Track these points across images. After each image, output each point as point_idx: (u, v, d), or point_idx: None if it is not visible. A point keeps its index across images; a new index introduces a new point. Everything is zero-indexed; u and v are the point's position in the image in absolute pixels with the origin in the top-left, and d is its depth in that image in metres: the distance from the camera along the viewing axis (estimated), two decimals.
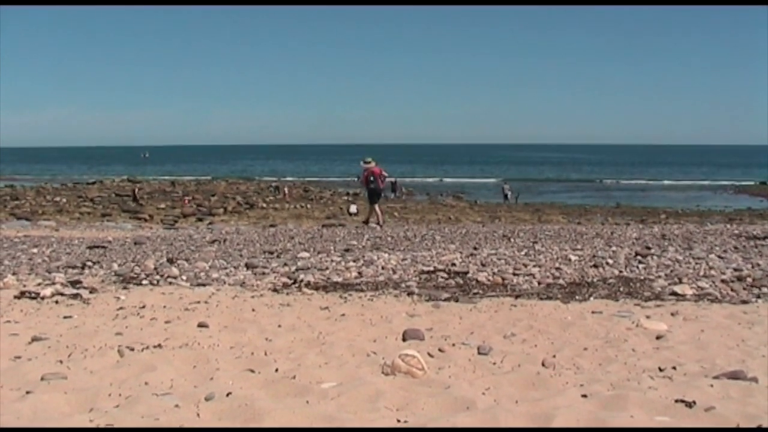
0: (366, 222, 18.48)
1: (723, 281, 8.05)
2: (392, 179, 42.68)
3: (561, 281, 8.19)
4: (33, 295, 7.33)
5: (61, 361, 4.58)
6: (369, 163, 18.89)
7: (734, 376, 4.15)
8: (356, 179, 18.79)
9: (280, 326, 5.85)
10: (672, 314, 6.30)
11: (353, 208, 29.83)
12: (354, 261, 9.86)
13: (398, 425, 3.40)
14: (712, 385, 3.95)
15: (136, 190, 36.46)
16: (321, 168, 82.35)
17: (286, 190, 39.57)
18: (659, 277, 8.35)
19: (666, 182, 60.19)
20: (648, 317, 6.10)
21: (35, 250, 12.38)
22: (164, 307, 6.73)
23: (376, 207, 18.65)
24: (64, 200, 34.36)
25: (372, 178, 18.52)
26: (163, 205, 32.46)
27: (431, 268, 9.11)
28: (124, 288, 7.99)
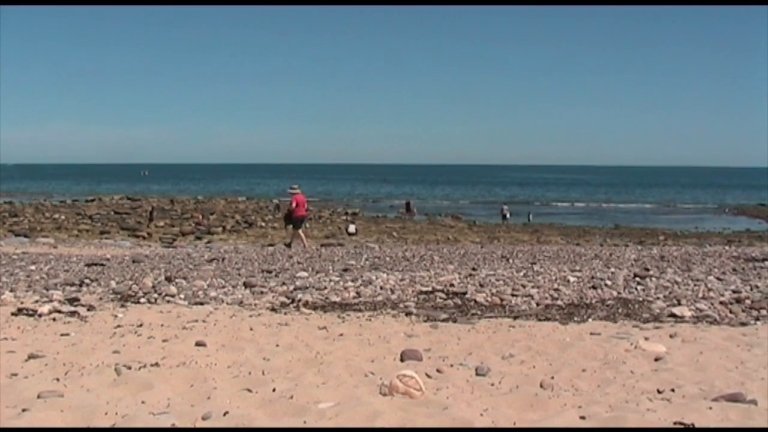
0: (288, 245, 19.06)
1: (722, 303, 8.05)
2: (408, 200, 42.91)
3: (559, 302, 8.19)
4: (30, 312, 7.31)
5: (57, 379, 4.56)
6: (295, 190, 19.68)
7: (733, 398, 4.14)
8: (288, 202, 19.45)
9: (277, 345, 5.84)
10: (671, 336, 6.29)
11: (352, 228, 29.83)
12: (352, 281, 9.86)
13: None
14: (711, 408, 3.94)
15: (153, 210, 36.07)
16: (321, 187, 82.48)
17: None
18: (658, 298, 8.35)
19: (664, 204, 60.26)
20: (647, 339, 6.09)
21: (33, 267, 12.35)
22: (162, 325, 6.71)
23: (300, 232, 19.37)
24: (63, 217, 34.31)
25: (295, 206, 19.25)
26: (161, 223, 32.44)
27: (429, 289, 9.10)
28: (122, 306, 7.97)
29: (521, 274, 10.56)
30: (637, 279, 9.84)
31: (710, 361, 5.35)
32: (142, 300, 8.39)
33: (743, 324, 7.00)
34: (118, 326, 6.64)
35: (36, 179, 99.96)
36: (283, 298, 8.52)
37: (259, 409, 3.93)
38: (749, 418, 3.79)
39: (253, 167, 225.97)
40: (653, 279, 9.81)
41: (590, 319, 7.21)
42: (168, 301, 8.34)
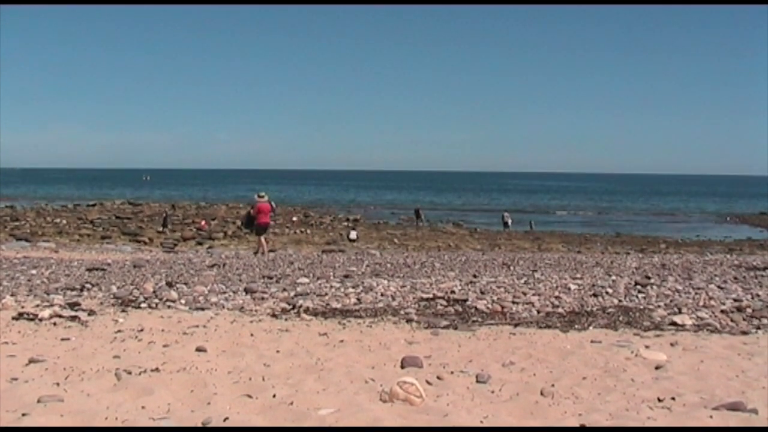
0: (255, 252, 19.32)
1: (723, 312, 8.04)
2: (417, 207, 42.97)
3: (560, 310, 8.18)
4: (31, 316, 7.32)
5: (57, 384, 4.56)
6: (262, 197, 20.03)
7: (734, 407, 4.13)
8: (250, 209, 20.16)
9: (278, 351, 5.84)
10: (671, 344, 6.28)
11: (353, 234, 29.86)
12: (353, 287, 9.86)
13: None
14: (711, 417, 3.94)
15: (167, 216, 35.86)
16: (322, 194, 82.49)
17: (294, 219, 39.49)
18: (659, 306, 8.34)
19: (666, 212, 60.21)
20: (647, 347, 6.08)
21: (34, 272, 12.36)
22: (162, 330, 6.72)
23: (261, 239, 19.57)
24: (64, 222, 34.36)
25: (256, 213, 19.50)
26: (161, 229, 32.47)
27: (430, 296, 9.10)
28: (123, 311, 7.97)
29: (522, 281, 10.56)
30: (638, 287, 9.83)
31: (711, 369, 5.34)
32: (143, 305, 8.39)
33: (744, 333, 6.99)
34: (119, 331, 6.65)
35: (37, 184, 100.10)
36: (283, 304, 8.52)
37: (259, 415, 3.93)
38: (750, 426, 3.78)
39: (255, 173, 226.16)
40: (654, 287, 9.80)
41: (591, 327, 7.20)
42: (169, 307, 8.34)
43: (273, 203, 20.45)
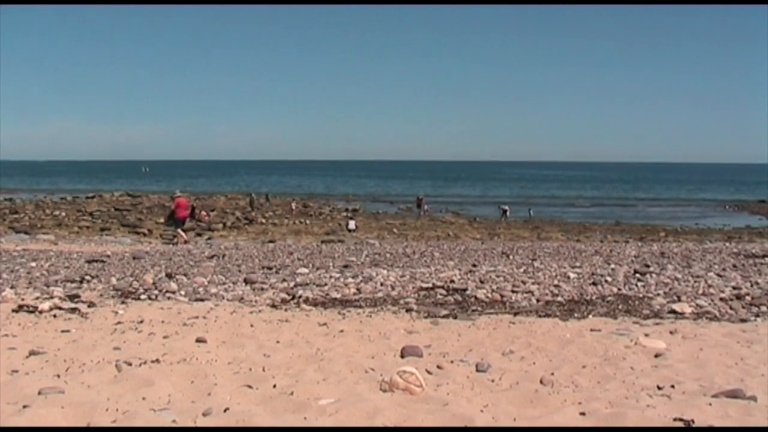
0: (185, 242, 21.13)
1: (722, 299, 8.05)
2: (420, 196, 42.81)
3: (560, 299, 8.19)
4: (31, 308, 7.32)
5: (58, 376, 4.56)
6: (179, 196, 22.91)
7: (733, 394, 4.14)
8: (173, 206, 22.55)
9: (278, 342, 5.84)
10: (671, 332, 6.30)
11: (352, 224, 29.86)
12: (353, 277, 9.86)
13: None
14: (710, 404, 3.94)
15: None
16: (321, 184, 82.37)
17: (293, 206, 39.46)
18: (658, 295, 8.35)
19: (665, 200, 60.19)
20: (647, 335, 6.09)
21: (34, 264, 12.36)
22: (162, 321, 6.72)
23: (179, 231, 21.78)
24: (63, 214, 34.33)
25: (175, 207, 21.82)
26: (162, 220, 32.44)
27: (430, 285, 9.11)
28: (123, 302, 7.98)
29: (521, 270, 10.57)
30: (638, 275, 9.85)
31: (710, 357, 5.35)
32: (143, 296, 8.40)
33: (743, 320, 7.01)
34: (119, 323, 6.65)
35: (36, 176, 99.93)
36: (283, 295, 8.53)
37: (260, 405, 3.93)
38: (749, 414, 3.79)
39: (254, 164, 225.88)
40: (653, 275, 9.82)
41: (590, 316, 7.21)
42: (168, 298, 8.35)
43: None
